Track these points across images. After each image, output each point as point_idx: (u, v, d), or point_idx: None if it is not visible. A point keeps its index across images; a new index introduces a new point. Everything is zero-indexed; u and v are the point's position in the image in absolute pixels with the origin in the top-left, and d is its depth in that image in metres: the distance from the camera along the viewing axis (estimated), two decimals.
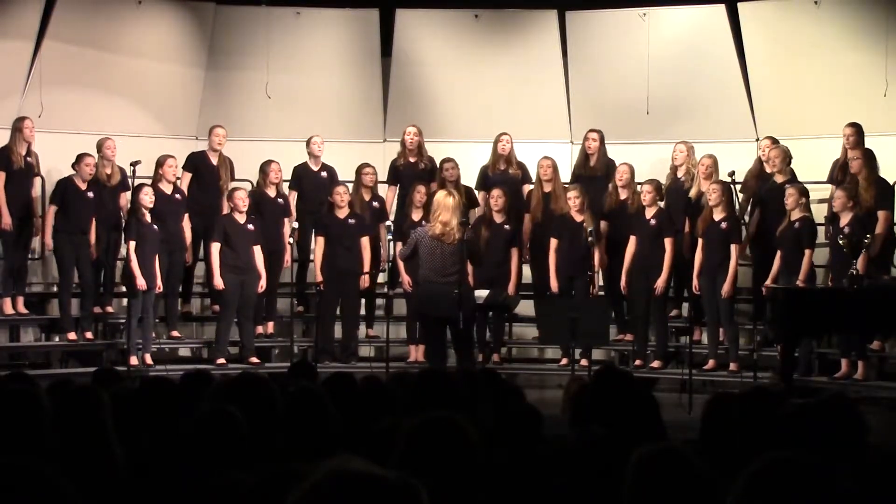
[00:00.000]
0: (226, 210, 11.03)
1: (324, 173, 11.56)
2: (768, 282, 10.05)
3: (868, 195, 9.84)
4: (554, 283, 10.82)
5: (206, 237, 11.02)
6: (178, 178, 11.09)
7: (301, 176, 11.52)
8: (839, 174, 10.42)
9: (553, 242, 10.85)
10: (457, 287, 9.42)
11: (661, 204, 10.93)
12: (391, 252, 11.15)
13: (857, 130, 10.31)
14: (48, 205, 10.73)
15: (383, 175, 11.69)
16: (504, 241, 10.83)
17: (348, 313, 11.14)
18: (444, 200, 9.72)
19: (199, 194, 11.28)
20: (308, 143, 11.51)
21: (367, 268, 11.01)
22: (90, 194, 10.65)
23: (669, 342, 11.07)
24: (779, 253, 10.13)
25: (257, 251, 10.85)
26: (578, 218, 10.71)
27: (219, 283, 10.74)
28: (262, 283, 10.89)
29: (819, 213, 10.49)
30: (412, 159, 11.58)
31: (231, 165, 11.45)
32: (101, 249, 10.75)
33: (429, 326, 10.00)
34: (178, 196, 11.01)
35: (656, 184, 10.81)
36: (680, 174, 11.05)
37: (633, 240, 10.71)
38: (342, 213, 11.00)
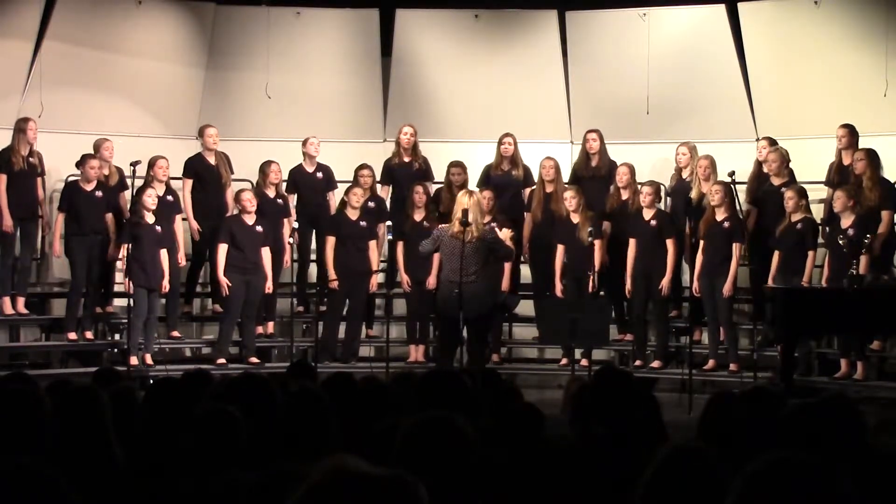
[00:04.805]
0: (233, 211, 11.04)
1: (319, 174, 11.56)
2: (769, 283, 10.05)
3: (873, 195, 9.83)
4: (558, 287, 10.84)
5: (213, 239, 11.02)
6: (170, 179, 11.02)
7: (296, 179, 11.51)
8: (835, 176, 10.42)
9: (559, 248, 10.86)
10: (481, 285, 9.44)
11: (661, 205, 10.94)
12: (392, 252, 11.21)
13: (850, 131, 10.31)
14: (56, 211, 10.77)
15: None
16: None
17: (354, 313, 11.16)
18: (461, 198, 9.76)
19: (204, 197, 11.27)
20: (304, 143, 11.50)
21: (375, 269, 11.05)
22: (98, 194, 10.65)
23: (669, 342, 11.07)
24: (777, 254, 10.13)
25: (265, 252, 10.86)
26: (575, 219, 10.72)
27: (224, 283, 10.73)
28: (269, 285, 10.90)
29: (818, 213, 10.48)
30: (406, 159, 11.58)
31: (228, 160, 11.42)
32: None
33: (445, 325, 10.00)
34: (169, 197, 10.98)
35: (656, 186, 10.83)
36: (685, 175, 11.04)
37: (632, 242, 10.72)
38: (354, 215, 11.00)
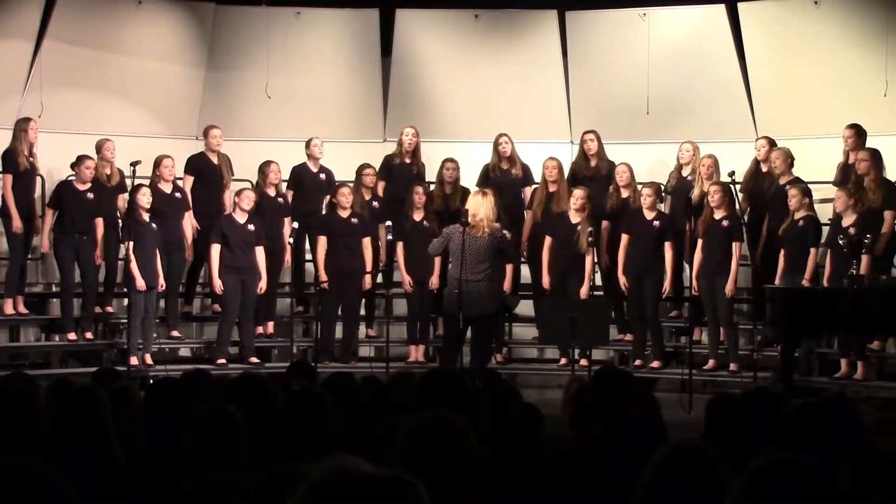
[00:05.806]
0: (230, 209, 11.03)
1: (322, 175, 11.56)
2: (776, 281, 10.04)
3: (876, 196, 9.81)
4: (546, 280, 10.82)
5: (206, 238, 11.02)
6: (177, 178, 11.07)
7: (299, 176, 11.51)
8: (839, 176, 10.41)
9: (547, 240, 10.85)
10: (490, 285, 9.39)
11: (663, 206, 10.93)
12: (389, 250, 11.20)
13: (857, 132, 10.30)
14: (46, 208, 10.75)
15: None
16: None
17: (349, 313, 11.15)
18: (474, 197, 9.71)
19: (204, 195, 11.27)
20: (308, 144, 11.51)
21: (369, 268, 11.02)
22: (90, 195, 10.64)
23: (669, 342, 11.06)
24: (783, 252, 10.12)
25: (259, 252, 10.84)
26: (575, 218, 10.69)
27: (217, 284, 10.73)
28: (263, 285, 10.87)
29: (822, 213, 10.47)
30: (407, 160, 11.58)
31: (229, 162, 11.44)
32: (103, 250, 10.76)
33: (450, 323, 9.99)
34: (177, 195, 11.01)
35: (656, 187, 10.81)
36: (686, 173, 11.04)
37: (625, 238, 10.71)
38: (345, 214, 10.99)
